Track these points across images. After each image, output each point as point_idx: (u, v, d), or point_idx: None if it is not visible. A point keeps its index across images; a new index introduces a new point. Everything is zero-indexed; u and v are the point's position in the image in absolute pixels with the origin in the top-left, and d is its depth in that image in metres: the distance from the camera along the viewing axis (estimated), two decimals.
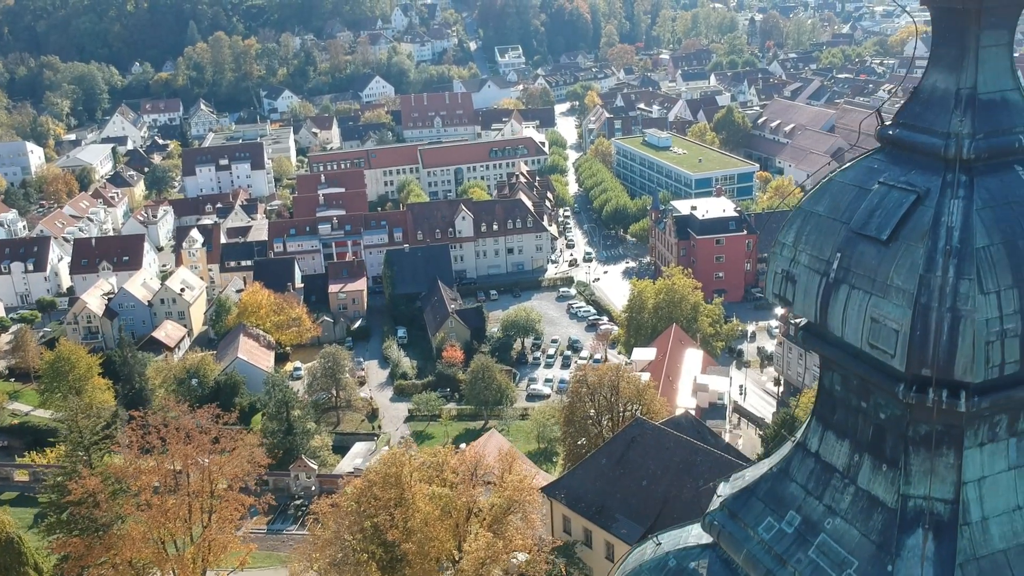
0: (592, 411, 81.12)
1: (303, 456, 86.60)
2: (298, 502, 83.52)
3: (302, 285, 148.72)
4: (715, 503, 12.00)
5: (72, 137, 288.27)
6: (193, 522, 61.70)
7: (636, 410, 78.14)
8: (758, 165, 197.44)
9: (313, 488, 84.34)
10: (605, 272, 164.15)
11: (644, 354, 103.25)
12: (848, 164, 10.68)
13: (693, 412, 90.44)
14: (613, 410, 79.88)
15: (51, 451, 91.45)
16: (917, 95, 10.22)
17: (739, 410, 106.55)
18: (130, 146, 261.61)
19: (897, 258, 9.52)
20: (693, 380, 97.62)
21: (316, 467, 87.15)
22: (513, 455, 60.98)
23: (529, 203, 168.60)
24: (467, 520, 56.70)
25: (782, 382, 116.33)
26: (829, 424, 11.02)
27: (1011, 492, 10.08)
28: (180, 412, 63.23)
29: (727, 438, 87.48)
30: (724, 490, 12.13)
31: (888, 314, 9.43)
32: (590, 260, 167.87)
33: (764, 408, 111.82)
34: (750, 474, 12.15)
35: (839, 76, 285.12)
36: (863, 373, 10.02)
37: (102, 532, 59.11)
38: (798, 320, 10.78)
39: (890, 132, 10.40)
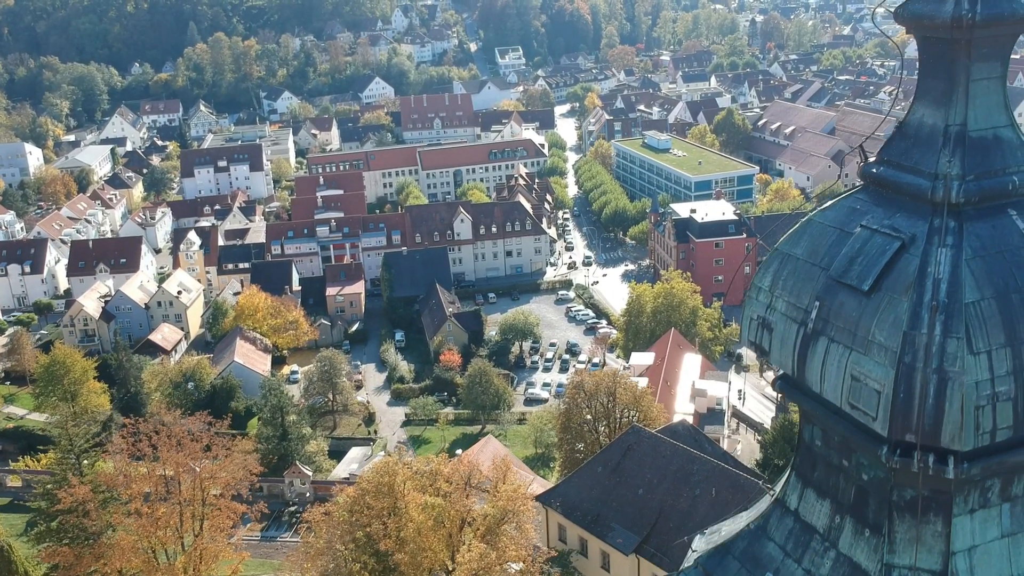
0: (589, 416, 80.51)
1: (297, 462, 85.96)
2: (292, 509, 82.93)
3: (299, 288, 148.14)
4: (689, 559, 11.23)
5: (71, 138, 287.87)
6: (184, 531, 61.05)
7: (633, 417, 77.55)
8: (758, 168, 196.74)
9: (307, 495, 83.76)
10: (604, 275, 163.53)
11: (642, 359, 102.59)
12: (828, 203, 9.88)
13: (691, 417, 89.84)
14: (610, 416, 79.22)
15: (44, 457, 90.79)
16: (902, 131, 9.45)
17: (738, 415, 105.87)
18: (129, 147, 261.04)
19: (879, 311, 8.73)
20: (691, 385, 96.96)
21: (311, 473, 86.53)
22: (508, 463, 60.30)
23: (528, 205, 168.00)
24: (461, 530, 56.07)
25: None
26: (809, 481, 10.20)
27: (1004, 562, 9.24)
28: (172, 419, 62.56)
29: (725, 444, 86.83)
30: (699, 544, 11.33)
31: (869, 372, 8.64)
32: (590, 264, 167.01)
33: (763, 413, 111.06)
34: (726, 528, 11.39)
35: (840, 78, 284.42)
36: (844, 431, 9.22)
37: (92, 541, 58.47)
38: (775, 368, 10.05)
39: (873, 170, 9.61)
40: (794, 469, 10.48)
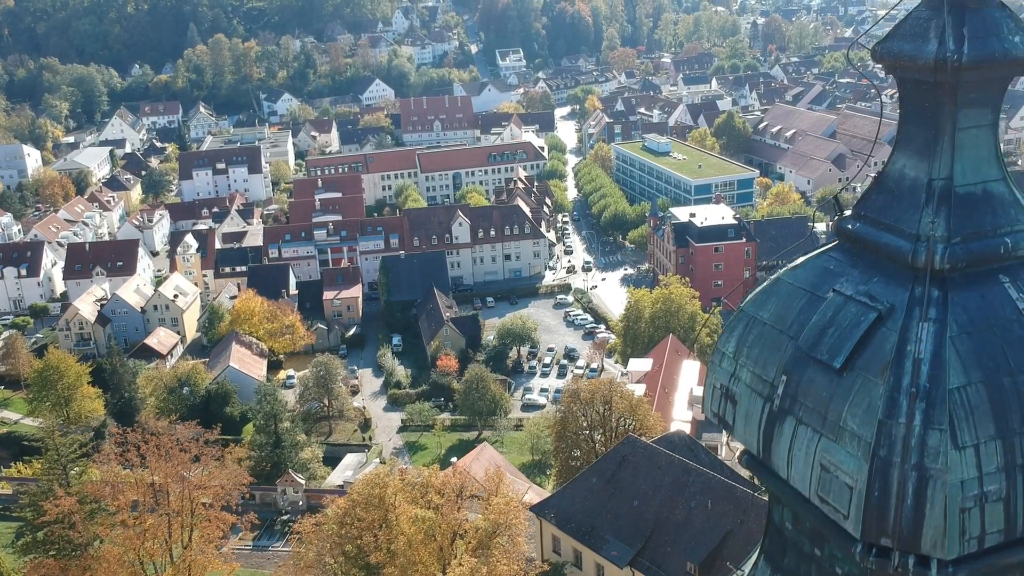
0: (585, 425, 79.65)
1: (290, 470, 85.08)
2: (285, 517, 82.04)
3: (296, 291, 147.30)
4: None
5: (71, 140, 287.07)
6: (173, 541, 60.21)
7: (629, 425, 76.72)
8: (758, 171, 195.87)
9: (300, 503, 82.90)
10: (603, 279, 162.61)
11: (640, 365, 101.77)
12: (799, 261, 8.76)
13: (689, 425, 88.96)
14: (606, 425, 78.38)
15: (35, 463, 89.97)
16: (881, 183, 8.35)
17: None
18: (128, 149, 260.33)
19: (852, 394, 7.57)
20: (689, 392, 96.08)
21: (303, 482, 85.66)
22: (501, 475, 59.46)
23: (527, 209, 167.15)
24: (452, 543, 55.24)
25: None
26: (779, 567, 9.06)
27: None
28: (160, 429, 61.76)
29: (723, 452, 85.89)
30: None
31: (840, 464, 7.51)
32: (589, 270, 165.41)
33: None
34: None
35: (841, 80, 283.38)
36: (815, 520, 8.06)
37: (78, 553, 57.66)
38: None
39: (849, 227, 8.47)
40: (763, 552, 9.35)
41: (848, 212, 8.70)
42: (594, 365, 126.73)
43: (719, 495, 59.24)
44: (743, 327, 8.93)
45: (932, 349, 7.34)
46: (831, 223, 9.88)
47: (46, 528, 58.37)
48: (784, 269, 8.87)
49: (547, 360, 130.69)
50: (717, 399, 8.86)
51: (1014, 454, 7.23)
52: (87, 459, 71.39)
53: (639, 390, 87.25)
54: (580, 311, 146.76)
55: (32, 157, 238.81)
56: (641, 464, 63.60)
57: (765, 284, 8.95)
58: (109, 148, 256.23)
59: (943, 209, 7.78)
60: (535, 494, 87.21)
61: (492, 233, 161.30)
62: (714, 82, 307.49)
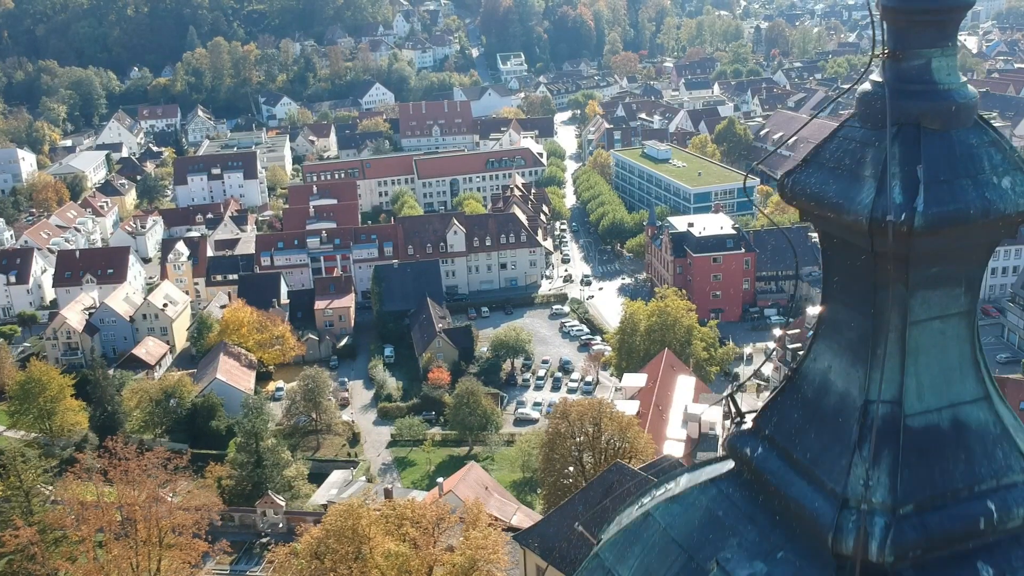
0: (573, 446, 77.25)
1: (270, 492, 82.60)
2: (264, 540, 79.64)
3: (288, 301, 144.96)
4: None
5: (68, 143, 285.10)
6: (141, 571, 57.88)
7: (619, 448, 74.36)
8: (759, 179, 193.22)
9: (280, 525, 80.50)
10: (600, 288, 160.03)
11: (634, 380, 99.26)
12: (679, 490, 5.56)
13: (683, 444, 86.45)
14: (595, 447, 76.01)
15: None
16: (794, 390, 5.34)
17: None
18: (125, 153, 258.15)
19: None
20: (684, 409, 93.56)
21: (283, 503, 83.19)
22: (480, 506, 57.06)
23: (523, 217, 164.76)
24: None
25: None
26: None
27: None
28: (128, 454, 59.42)
29: None
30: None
31: None
32: (588, 283, 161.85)
33: None
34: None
35: (844, 86, 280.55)
36: None
37: None
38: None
39: (746, 451, 5.36)
40: None
41: (747, 419, 5.58)
42: (589, 378, 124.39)
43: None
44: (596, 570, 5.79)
45: None
46: (725, 431, 6.04)
47: (6, 559, 56.08)
48: (658, 499, 5.72)
49: (541, 373, 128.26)
50: None
51: None
52: (61, 476, 69.05)
53: (632, 407, 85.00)
54: (576, 322, 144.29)
55: (27, 161, 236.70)
56: (629, 492, 61.30)
57: (627, 525, 5.81)
58: (105, 152, 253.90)
59: (886, 454, 4.79)
60: (523, 515, 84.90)
61: (488, 241, 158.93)
62: (716, 87, 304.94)
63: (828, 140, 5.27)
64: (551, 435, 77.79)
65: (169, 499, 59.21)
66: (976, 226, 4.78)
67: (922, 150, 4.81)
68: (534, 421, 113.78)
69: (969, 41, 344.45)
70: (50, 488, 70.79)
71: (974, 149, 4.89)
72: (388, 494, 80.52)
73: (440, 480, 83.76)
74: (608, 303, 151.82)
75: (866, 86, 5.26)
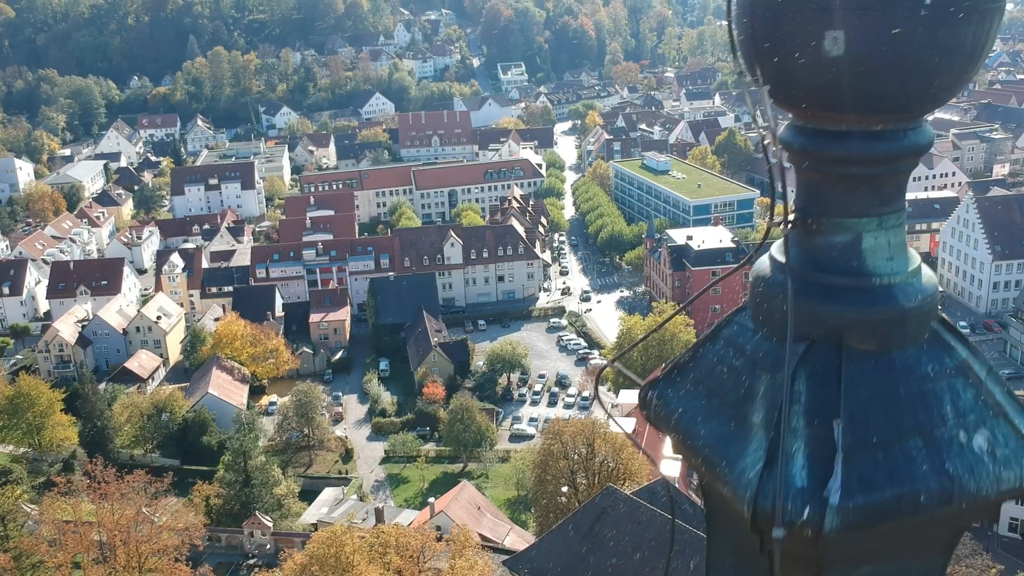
0: (566, 467, 75.82)
1: (257, 512, 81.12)
2: (251, 562, 78.15)
3: (283, 313, 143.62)
4: None
5: (67, 152, 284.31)
6: None
7: (613, 469, 72.96)
8: (759, 191, 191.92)
9: (268, 546, 78.97)
10: (598, 301, 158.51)
11: (631, 397, 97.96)
12: None
13: (680, 463, 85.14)
14: (588, 468, 74.60)
15: None
16: None
17: None
18: (124, 163, 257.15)
19: None
20: None
21: (271, 524, 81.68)
22: (466, 534, 55.58)
23: (521, 229, 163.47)
24: None
25: None
26: None
27: None
28: (107, 477, 57.99)
29: None
30: None
31: None
32: (588, 299, 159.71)
33: None
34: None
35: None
36: None
37: None
38: None
39: None
40: None
41: None
42: (586, 393, 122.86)
43: (702, 554, 55.44)
44: None
45: None
46: None
47: None
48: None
49: (538, 387, 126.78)
50: None
51: None
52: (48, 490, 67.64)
53: (629, 424, 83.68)
54: (574, 335, 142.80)
55: (24, 171, 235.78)
56: (621, 518, 59.67)
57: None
58: (103, 162, 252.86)
59: None
60: (516, 536, 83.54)
61: (485, 254, 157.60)
62: (717, 97, 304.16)
63: (709, 339, 3.35)
64: (543, 455, 76.39)
65: (153, 521, 57.74)
66: (931, 519, 2.78)
67: (843, 389, 2.81)
68: (530, 437, 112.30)
69: None
70: (33, 507, 69.38)
71: (930, 384, 2.88)
72: (379, 515, 79.06)
73: (431, 500, 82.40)
74: (606, 316, 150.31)
75: (763, 264, 3.27)
